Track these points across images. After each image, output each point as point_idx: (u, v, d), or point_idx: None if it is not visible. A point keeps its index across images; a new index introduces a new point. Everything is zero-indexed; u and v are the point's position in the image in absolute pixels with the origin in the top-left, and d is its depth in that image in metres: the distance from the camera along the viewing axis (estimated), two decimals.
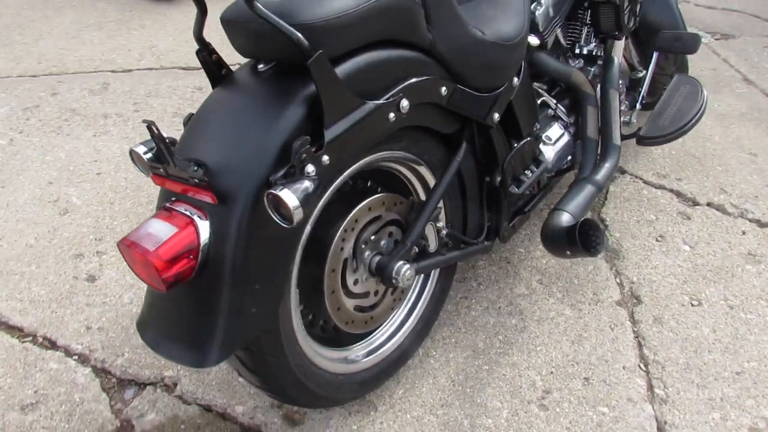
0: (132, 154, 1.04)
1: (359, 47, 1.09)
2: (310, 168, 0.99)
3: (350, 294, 1.31)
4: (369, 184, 1.36)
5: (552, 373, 1.55)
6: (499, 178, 1.52)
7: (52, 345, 1.65)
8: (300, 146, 0.97)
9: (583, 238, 1.44)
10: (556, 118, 1.74)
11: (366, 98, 1.09)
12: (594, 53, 1.85)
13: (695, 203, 2.08)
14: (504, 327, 1.67)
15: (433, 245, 1.44)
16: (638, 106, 2.01)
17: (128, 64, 3.20)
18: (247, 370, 1.19)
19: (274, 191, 0.92)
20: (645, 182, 2.17)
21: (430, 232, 1.42)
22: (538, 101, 1.69)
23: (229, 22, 1.05)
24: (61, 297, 1.79)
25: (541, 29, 1.60)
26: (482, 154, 1.48)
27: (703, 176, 2.18)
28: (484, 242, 1.60)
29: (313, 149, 0.99)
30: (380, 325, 1.47)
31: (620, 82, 1.88)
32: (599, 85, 1.81)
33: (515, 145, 1.52)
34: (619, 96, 1.89)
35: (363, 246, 1.30)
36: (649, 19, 2.11)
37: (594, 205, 2.07)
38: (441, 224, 1.45)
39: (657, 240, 1.94)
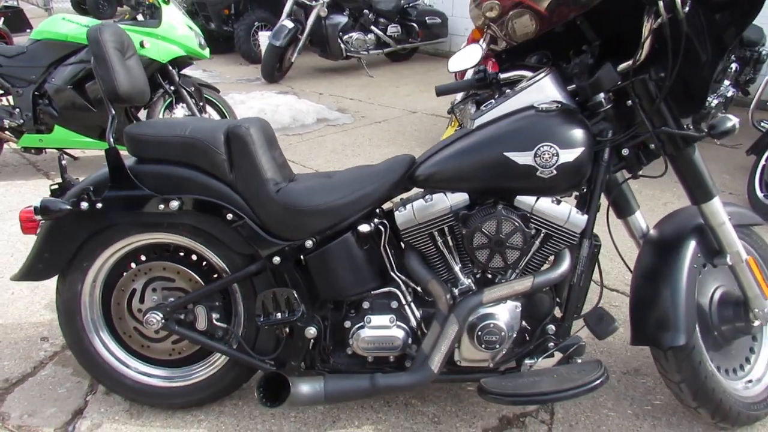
0: None
1: (170, 160, 1.76)
2: (84, 204, 1.73)
3: (133, 316, 1.91)
4: (194, 258, 1.92)
5: None
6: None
7: None
8: (82, 190, 1.73)
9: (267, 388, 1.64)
10: (398, 312, 1.79)
11: (157, 191, 1.74)
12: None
13: None
14: None
15: (201, 325, 1.86)
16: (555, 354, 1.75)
17: None
18: None
19: (46, 197, 1.71)
20: None
21: (201, 313, 1.85)
22: (386, 289, 1.81)
23: None
24: None
25: (400, 229, 1.76)
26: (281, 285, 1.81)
27: None
28: (267, 362, 1.86)
29: (94, 197, 1.73)
30: (164, 362, 1.96)
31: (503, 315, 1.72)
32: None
33: (278, 286, 1.77)
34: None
35: (153, 290, 1.89)
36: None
37: None
38: (217, 315, 1.86)
39: None
